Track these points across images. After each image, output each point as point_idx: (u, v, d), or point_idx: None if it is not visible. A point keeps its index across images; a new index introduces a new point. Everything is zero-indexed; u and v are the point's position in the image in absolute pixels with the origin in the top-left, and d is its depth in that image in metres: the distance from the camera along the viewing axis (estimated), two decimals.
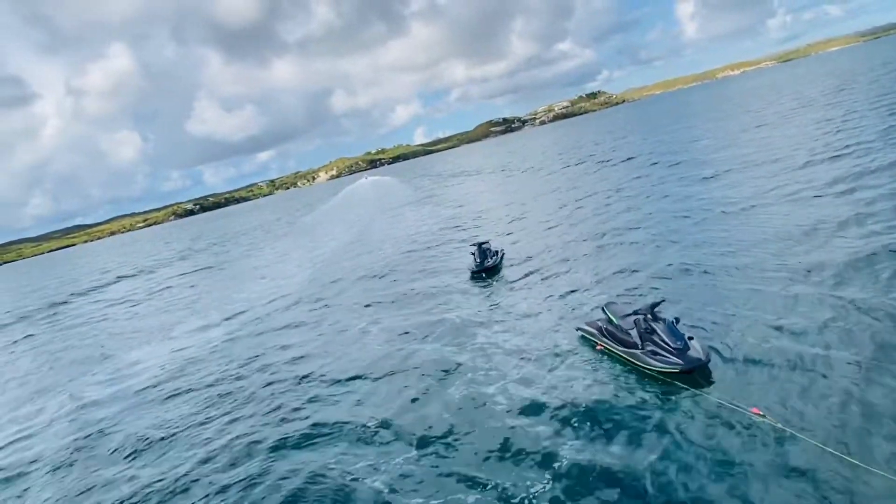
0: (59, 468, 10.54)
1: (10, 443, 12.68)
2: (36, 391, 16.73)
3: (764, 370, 7.76)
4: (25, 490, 10.01)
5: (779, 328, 8.82)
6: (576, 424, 7.61)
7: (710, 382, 7.76)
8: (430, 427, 8.50)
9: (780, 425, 6.42)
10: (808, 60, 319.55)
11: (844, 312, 8.80)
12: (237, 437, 9.76)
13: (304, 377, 11.93)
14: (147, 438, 10.77)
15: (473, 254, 17.41)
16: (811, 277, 10.49)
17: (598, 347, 9.65)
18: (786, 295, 9.99)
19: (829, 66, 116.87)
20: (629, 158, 40.33)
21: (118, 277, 50.16)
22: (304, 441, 9.01)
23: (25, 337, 28.83)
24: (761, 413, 6.69)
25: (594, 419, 7.61)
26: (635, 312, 8.99)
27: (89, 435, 11.77)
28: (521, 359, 10.13)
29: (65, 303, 40.69)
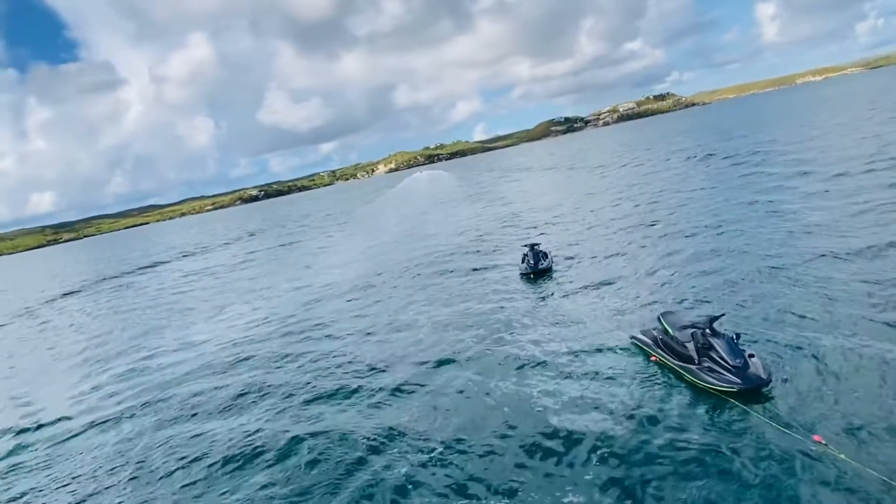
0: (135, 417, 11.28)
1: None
2: (105, 354, 17.92)
3: (830, 396, 7.32)
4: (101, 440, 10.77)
5: (853, 352, 8.29)
6: (619, 436, 7.42)
7: (769, 404, 7.39)
8: (468, 426, 8.52)
9: (843, 456, 6.05)
10: None
11: None
12: (262, 428, 10.12)
13: (347, 362, 12.21)
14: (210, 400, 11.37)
15: (526, 255, 17.27)
16: (888, 300, 9.80)
17: (652, 358, 9.39)
18: (864, 317, 9.38)
19: None
20: (703, 159, 38.81)
21: (182, 254, 52.92)
22: (331, 418, 9.24)
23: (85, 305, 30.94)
24: (823, 442, 6.32)
25: (640, 433, 7.40)
26: (693, 325, 8.68)
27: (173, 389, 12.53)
28: (569, 364, 9.97)
29: (152, 266, 43.25)
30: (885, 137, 29.68)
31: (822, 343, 8.76)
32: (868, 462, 5.92)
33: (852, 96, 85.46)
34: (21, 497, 9.48)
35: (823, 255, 13.01)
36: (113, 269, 54.65)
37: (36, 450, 11.41)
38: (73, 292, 41.58)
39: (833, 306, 10.09)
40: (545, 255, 17.36)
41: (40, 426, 12.70)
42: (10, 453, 11.50)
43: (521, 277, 16.83)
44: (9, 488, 9.91)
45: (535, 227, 26.42)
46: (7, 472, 10.59)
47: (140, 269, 49.83)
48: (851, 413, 6.87)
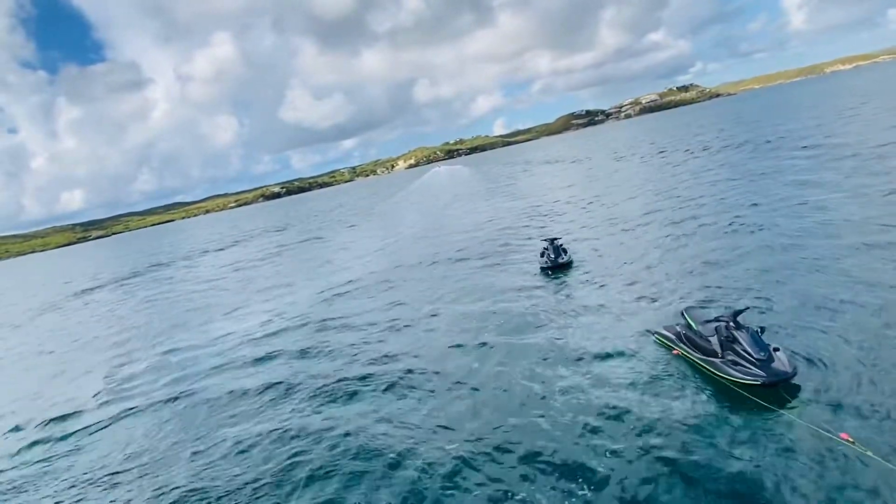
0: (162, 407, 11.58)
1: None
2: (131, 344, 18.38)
3: (858, 391, 7.16)
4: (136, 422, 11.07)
5: (881, 348, 8.10)
6: (641, 430, 7.39)
7: (795, 399, 7.27)
8: (489, 421, 8.55)
9: (870, 454, 5.93)
10: None
11: None
12: (277, 426, 10.28)
13: (370, 357, 12.32)
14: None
15: (546, 249, 17.19)
16: None
17: (675, 353, 9.30)
18: (890, 310, 9.14)
19: None
20: (725, 149, 38.04)
21: (204, 251, 53.86)
22: (344, 413, 9.34)
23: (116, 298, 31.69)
24: (851, 439, 6.19)
25: (661, 427, 7.35)
26: (717, 319, 8.58)
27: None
28: (591, 359, 9.93)
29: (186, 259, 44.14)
30: None
31: (849, 338, 8.57)
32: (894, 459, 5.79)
33: (884, 84, 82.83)
34: (59, 484, 9.81)
35: (852, 248, 12.70)
36: (139, 265, 55.90)
37: (74, 437, 11.78)
38: (97, 287, 42.69)
39: (862, 301, 9.84)
40: (565, 249, 17.27)
41: (77, 413, 13.12)
42: (34, 444, 11.91)
43: (542, 271, 16.76)
44: (40, 479, 10.27)
45: (554, 222, 26.24)
46: (38, 462, 10.96)
47: (157, 265, 50.87)
48: (880, 410, 6.72)
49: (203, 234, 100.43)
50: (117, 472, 9.74)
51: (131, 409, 12.87)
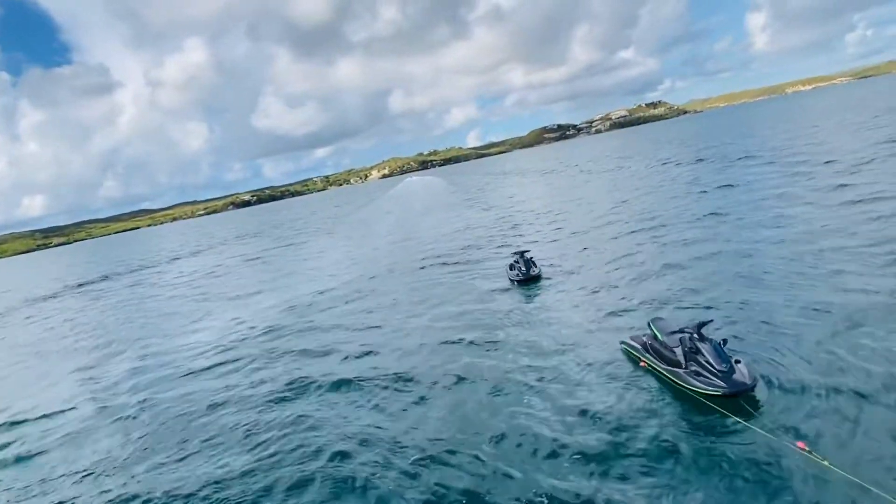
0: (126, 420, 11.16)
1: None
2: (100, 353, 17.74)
3: (816, 403, 7.33)
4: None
5: (840, 361, 8.31)
6: (603, 440, 7.43)
7: (754, 410, 7.40)
8: (455, 431, 8.50)
9: (826, 463, 6.06)
10: (888, 78, 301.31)
11: None
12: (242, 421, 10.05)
13: (333, 370, 12.16)
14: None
15: (517, 262, 17.24)
16: (882, 311, 9.88)
17: (642, 364, 9.41)
18: (851, 325, 9.42)
19: None
20: (692, 164, 39.06)
21: (175, 257, 52.57)
22: (311, 433, 9.19)
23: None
24: (807, 449, 6.33)
25: (624, 437, 7.41)
26: (681, 330, 8.71)
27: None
28: (559, 370, 9.95)
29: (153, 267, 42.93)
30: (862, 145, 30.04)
31: (809, 350, 8.79)
32: (852, 469, 5.92)
33: (840, 105, 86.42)
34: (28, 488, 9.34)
35: (811, 264, 13.10)
36: (93, 274, 54.27)
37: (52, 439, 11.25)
38: (55, 295, 41.24)
39: (822, 312, 10.12)
40: (534, 262, 17.37)
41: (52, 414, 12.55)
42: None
43: (512, 284, 16.82)
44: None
45: (523, 233, 26.45)
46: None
47: (118, 273, 49.47)
48: (837, 421, 6.88)
49: (168, 243, 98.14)
50: (74, 481, 9.33)
51: (89, 418, 12.39)
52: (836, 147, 33.67)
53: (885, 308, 9.76)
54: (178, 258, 56.34)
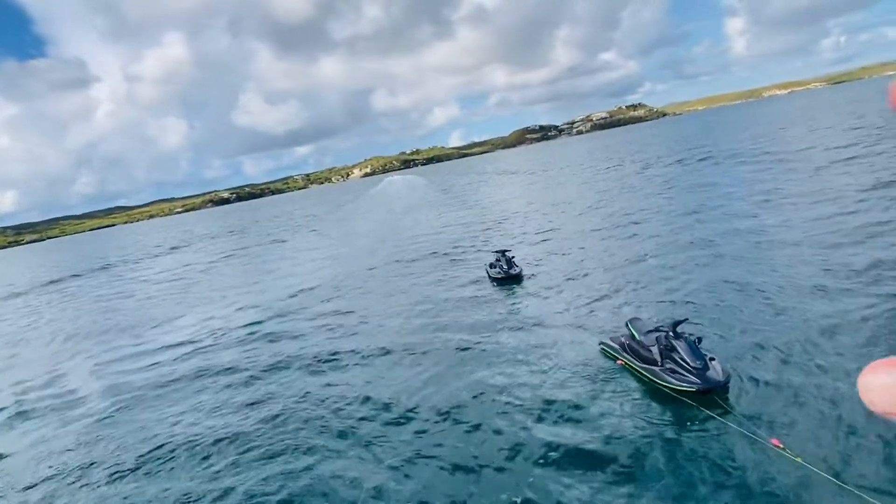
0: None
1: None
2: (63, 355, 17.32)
3: (789, 400, 7.44)
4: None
5: (811, 358, 8.46)
6: (580, 436, 7.47)
7: (729, 406, 7.49)
8: (434, 433, 8.48)
9: (799, 459, 6.14)
10: (861, 84, 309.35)
11: (881, 342, 8.44)
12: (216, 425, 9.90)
13: (316, 369, 12.04)
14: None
15: (498, 260, 17.25)
16: (847, 305, 10.08)
17: (619, 363, 9.48)
18: (820, 321, 9.61)
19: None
20: (670, 169, 39.56)
21: (152, 255, 51.63)
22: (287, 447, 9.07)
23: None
24: (781, 445, 6.40)
25: (602, 433, 7.45)
26: (657, 329, 8.81)
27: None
28: (539, 371, 9.97)
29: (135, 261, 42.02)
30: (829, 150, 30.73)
31: (782, 349, 8.93)
32: (824, 466, 6.01)
33: (815, 109, 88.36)
34: None
35: (786, 263, 13.34)
36: (67, 271, 53.06)
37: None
38: (24, 292, 40.20)
39: (793, 312, 10.32)
40: (515, 262, 17.38)
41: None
42: None
43: (493, 283, 16.82)
44: None
45: (504, 232, 26.52)
46: None
47: (93, 270, 48.45)
48: (808, 418, 6.99)
49: (145, 239, 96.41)
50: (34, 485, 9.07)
51: (54, 420, 12.08)
52: (807, 148, 34.38)
53: (857, 310, 9.96)
54: (156, 255, 55.36)
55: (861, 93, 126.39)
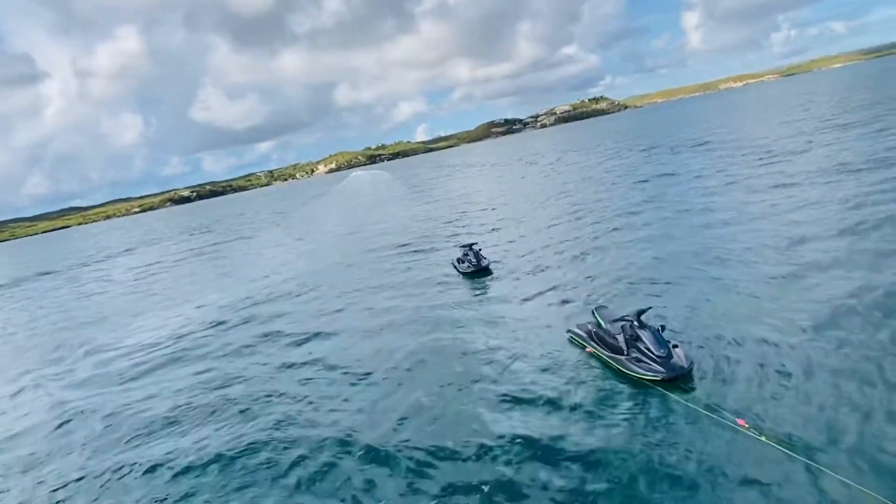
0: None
1: None
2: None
3: (753, 382, 7.63)
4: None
5: (771, 341, 8.70)
6: (552, 425, 7.54)
7: (693, 391, 7.65)
8: (404, 423, 8.45)
9: (764, 439, 6.31)
10: (811, 76, 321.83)
11: (834, 322, 8.76)
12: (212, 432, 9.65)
13: (288, 366, 11.84)
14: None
15: (467, 254, 17.24)
16: (802, 288, 10.43)
17: (588, 350, 9.58)
18: (781, 308, 9.90)
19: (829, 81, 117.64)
20: (632, 159, 40.28)
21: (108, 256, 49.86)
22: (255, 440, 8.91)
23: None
24: (746, 425, 6.57)
25: (571, 422, 7.52)
26: (622, 318, 8.94)
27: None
28: (509, 359, 10.00)
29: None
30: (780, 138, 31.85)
31: (743, 333, 9.16)
32: (787, 444, 6.18)
33: (767, 100, 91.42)
34: None
35: (747, 248, 13.73)
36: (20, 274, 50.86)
37: None
38: None
39: (753, 299, 10.61)
40: (479, 253, 17.37)
41: None
42: None
43: (462, 276, 16.81)
44: None
45: (470, 226, 26.58)
46: None
47: (46, 273, 46.57)
48: (770, 399, 7.18)
49: (102, 241, 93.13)
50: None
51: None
52: (759, 138, 35.51)
53: (811, 288, 10.33)
54: (109, 256, 53.52)
55: (811, 85, 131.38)
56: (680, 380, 7.85)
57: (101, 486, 8.47)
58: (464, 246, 17.88)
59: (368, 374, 10.69)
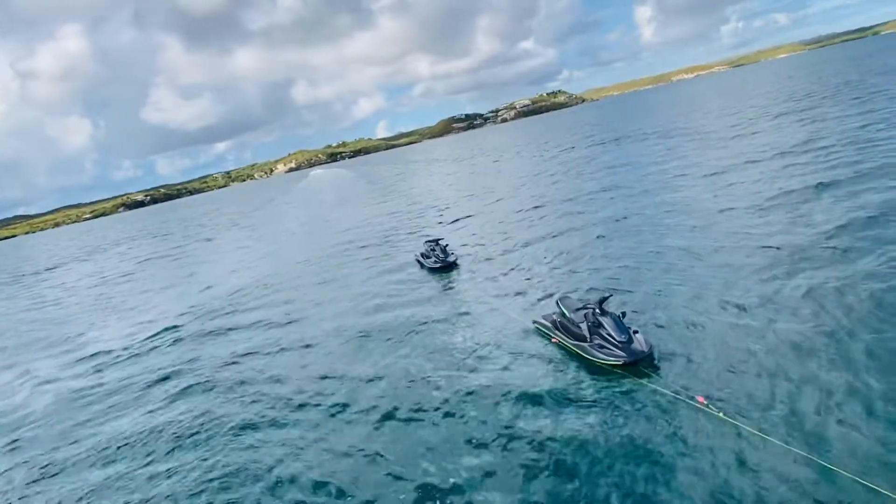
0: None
1: None
2: None
3: (709, 362, 7.99)
4: None
5: (726, 324, 9.12)
6: (520, 413, 7.76)
7: (654, 373, 7.97)
8: (376, 409, 8.61)
9: (721, 415, 6.64)
10: (758, 66, 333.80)
11: (793, 301, 9.22)
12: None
13: (247, 374, 11.70)
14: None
15: (433, 249, 17.28)
16: (758, 268, 10.92)
17: (554, 340, 9.81)
18: (734, 289, 10.35)
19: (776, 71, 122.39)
20: (592, 148, 41.07)
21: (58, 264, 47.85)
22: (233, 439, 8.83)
23: None
24: (705, 402, 6.91)
25: (540, 408, 7.76)
26: (585, 306, 9.24)
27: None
28: (476, 351, 10.19)
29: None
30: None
31: (699, 315, 9.58)
32: (742, 419, 6.53)
33: (718, 91, 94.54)
34: None
35: (700, 233, 14.28)
36: None
37: None
38: None
39: (707, 282, 11.06)
40: (444, 248, 17.46)
41: None
42: None
43: (429, 272, 16.87)
44: None
45: (434, 222, 26.64)
46: None
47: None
48: (725, 377, 7.54)
49: (53, 248, 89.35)
50: None
51: None
52: (708, 126, 36.77)
53: (761, 270, 10.82)
54: (58, 265, 51.43)
55: (760, 75, 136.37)
56: (641, 363, 8.16)
57: None
58: (429, 241, 17.92)
59: (330, 374, 10.67)
